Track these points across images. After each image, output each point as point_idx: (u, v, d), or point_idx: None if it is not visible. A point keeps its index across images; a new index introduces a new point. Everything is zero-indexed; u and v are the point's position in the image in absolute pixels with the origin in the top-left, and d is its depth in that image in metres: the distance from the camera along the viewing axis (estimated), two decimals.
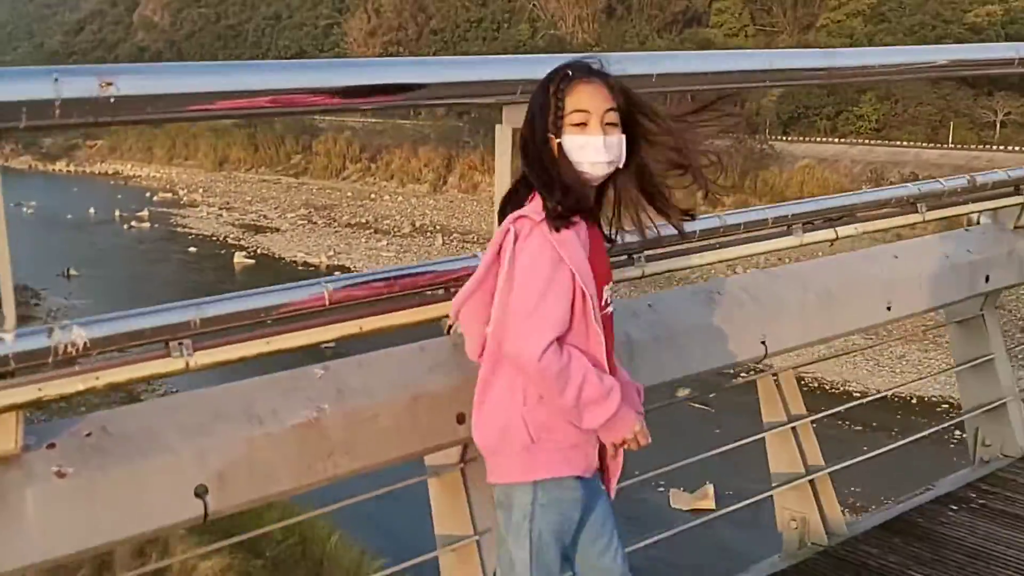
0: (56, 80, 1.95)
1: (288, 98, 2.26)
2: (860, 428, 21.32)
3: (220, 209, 75.54)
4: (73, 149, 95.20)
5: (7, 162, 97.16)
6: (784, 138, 63.52)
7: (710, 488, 20.34)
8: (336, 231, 66.34)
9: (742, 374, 3.90)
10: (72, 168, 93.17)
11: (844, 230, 3.56)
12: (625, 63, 2.76)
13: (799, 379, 3.89)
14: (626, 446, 2.35)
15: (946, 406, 25.40)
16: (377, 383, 2.64)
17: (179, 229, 68.35)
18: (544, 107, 2.28)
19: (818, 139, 62.96)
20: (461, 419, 2.73)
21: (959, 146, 56.53)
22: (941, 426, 5.10)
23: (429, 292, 2.63)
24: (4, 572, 2.09)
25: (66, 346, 2.04)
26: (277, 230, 67.70)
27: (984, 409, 4.65)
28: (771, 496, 3.95)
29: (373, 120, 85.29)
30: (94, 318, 2.13)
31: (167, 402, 2.45)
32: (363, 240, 63.79)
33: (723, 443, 3.80)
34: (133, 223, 69.82)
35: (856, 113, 62.59)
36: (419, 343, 2.81)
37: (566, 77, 2.27)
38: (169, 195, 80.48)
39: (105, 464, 2.20)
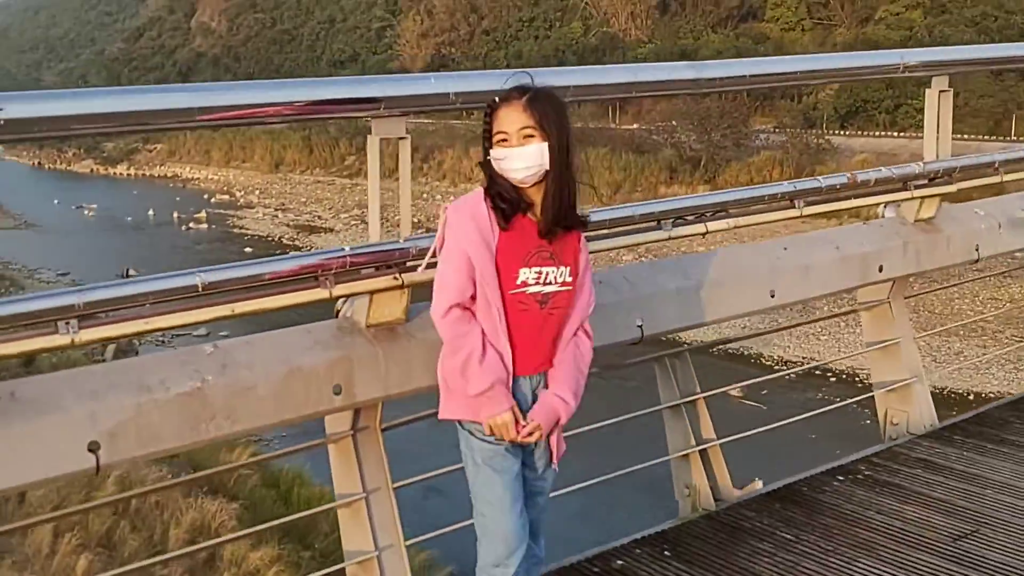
0: None
1: (149, 120, 2.72)
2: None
3: (276, 210, 76.84)
4: (133, 153, 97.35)
5: (70, 166, 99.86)
6: (842, 132, 62.73)
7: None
8: (388, 230, 66.82)
9: (649, 354, 4.24)
10: (132, 171, 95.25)
11: (715, 224, 3.92)
12: (545, 77, 3.09)
13: (736, 353, 4.25)
14: (499, 432, 2.74)
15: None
16: (259, 358, 3.08)
17: (236, 230, 69.68)
18: (484, 130, 2.74)
19: (876, 133, 62.00)
20: (338, 390, 3.16)
21: (1022, 138, 55.46)
22: (847, 402, 5.41)
23: (300, 279, 3.06)
24: None
25: None
26: (331, 230, 68.70)
27: (890, 388, 4.98)
28: (670, 467, 4.34)
29: (425, 120, 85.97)
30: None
31: (68, 373, 2.90)
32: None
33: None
34: (191, 224, 71.32)
35: (916, 106, 61.49)
36: (306, 325, 3.25)
37: (493, 103, 2.73)
38: (226, 197, 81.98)
39: (10, 423, 2.66)
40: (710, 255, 4.14)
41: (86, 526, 13.51)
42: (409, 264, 3.21)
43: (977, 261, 5.02)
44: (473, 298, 2.68)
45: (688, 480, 4.28)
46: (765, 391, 20.15)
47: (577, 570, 3.70)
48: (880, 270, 4.61)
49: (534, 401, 2.77)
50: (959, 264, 5.03)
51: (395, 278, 3.18)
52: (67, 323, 2.66)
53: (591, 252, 3.06)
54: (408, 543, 3.47)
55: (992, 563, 3.67)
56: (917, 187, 4.59)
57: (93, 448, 2.74)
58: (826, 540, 3.87)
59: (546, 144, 2.66)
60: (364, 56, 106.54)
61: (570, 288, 2.74)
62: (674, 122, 63.29)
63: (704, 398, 4.30)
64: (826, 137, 60.55)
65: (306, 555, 14.37)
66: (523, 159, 2.65)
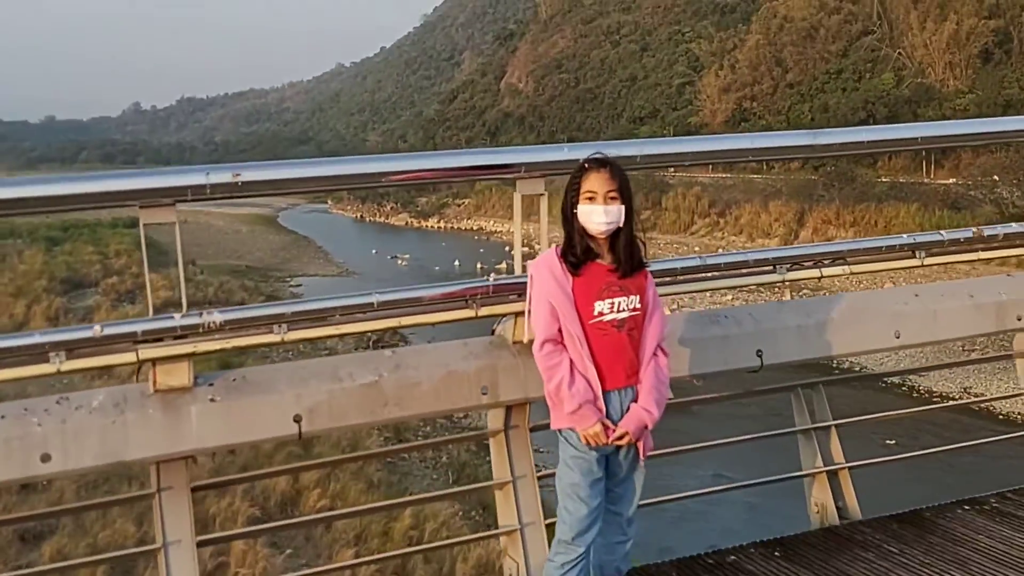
0: (207, 174, 3.54)
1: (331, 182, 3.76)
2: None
3: None
4: (443, 207, 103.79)
5: (387, 219, 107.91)
6: None
7: None
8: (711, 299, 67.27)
9: (785, 383, 4.84)
10: (442, 224, 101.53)
11: (830, 270, 4.47)
12: (614, 148, 3.94)
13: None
14: (594, 441, 3.49)
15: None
16: (425, 362, 4.02)
17: None
18: (570, 187, 3.57)
19: None
20: (485, 391, 4.05)
21: None
22: (999, 437, 5.56)
23: (453, 301, 3.97)
24: (178, 452, 3.67)
25: (209, 323, 3.60)
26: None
27: None
28: (803, 486, 4.88)
29: (723, 175, 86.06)
30: (228, 308, 3.69)
31: (283, 364, 3.96)
32: (707, 295, 64.77)
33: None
34: (492, 274, 74.74)
35: None
36: (464, 339, 4.18)
37: (582, 168, 3.54)
38: (526, 248, 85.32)
39: (240, 396, 3.73)
40: (833, 297, 4.68)
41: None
42: None
43: None
44: (561, 333, 3.46)
45: (817, 498, 4.80)
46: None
47: (695, 560, 4.33)
48: (1019, 319, 4.91)
49: (625, 411, 3.51)
50: None
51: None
52: (280, 326, 3.71)
53: (709, 290, 3.77)
54: (547, 521, 4.26)
55: None
56: None
57: (297, 420, 3.77)
58: (926, 555, 4.28)
59: (623, 207, 3.43)
60: (664, 112, 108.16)
61: (639, 312, 3.47)
62: (995, 176, 59.47)
63: (836, 426, 4.81)
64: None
65: None
66: (608, 215, 3.43)
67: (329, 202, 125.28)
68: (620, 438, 3.47)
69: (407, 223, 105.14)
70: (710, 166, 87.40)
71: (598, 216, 3.43)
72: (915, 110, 75.86)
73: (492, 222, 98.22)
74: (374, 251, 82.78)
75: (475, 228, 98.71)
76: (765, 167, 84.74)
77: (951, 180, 66.31)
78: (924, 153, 72.49)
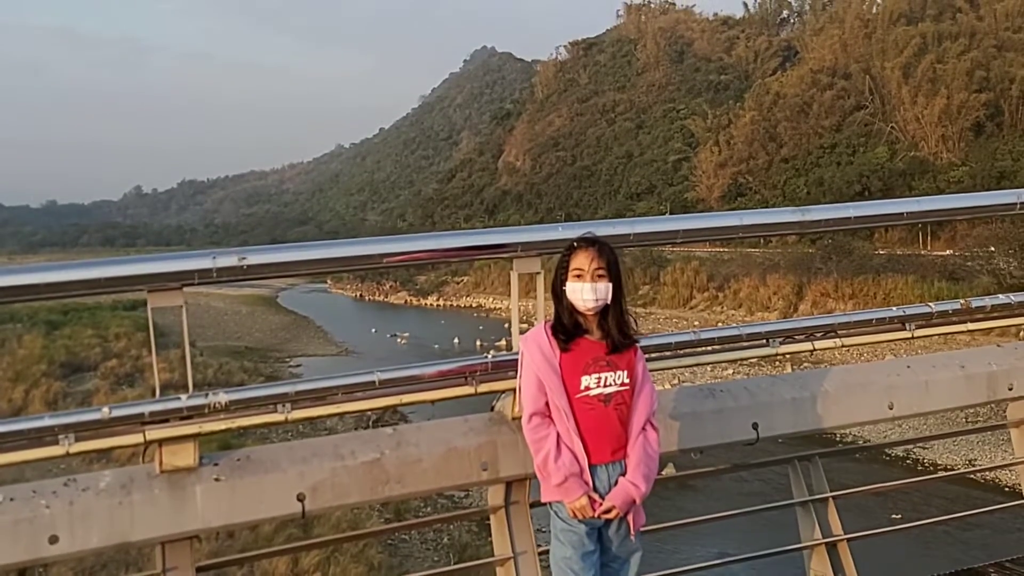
0: (214, 258, 3.66)
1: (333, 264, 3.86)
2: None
3: None
4: (443, 285, 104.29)
5: (387, 298, 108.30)
6: None
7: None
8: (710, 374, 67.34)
9: (781, 455, 4.90)
10: (441, 302, 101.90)
11: (822, 343, 4.56)
12: (607, 227, 4.08)
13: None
14: (580, 514, 3.55)
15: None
16: (425, 439, 4.09)
17: None
18: (560, 266, 3.68)
19: None
20: (485, 467, 4.11)
21: None
22: (994, 507, 5.60)
23: (453, 378, 4.05)
24: (184, 532, 3.71)
25: (215, 404, 3.68)
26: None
27: None
28: (803, 558, 4.91)
29: (720, 249, 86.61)
30: (233, 389, 3.76)
31: (288, 444, 4.02)
32: (708, 368, 64.69)
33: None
34: (491, 351, 74.72)
35: None
36: (464, 416, 4.25)
37: (571, 247, 3.66)
38: (525, 325, 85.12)
39: (244, 476, 3.79)
40: (828, 370, 4.76)
41: None
42: None
43: None
44: (548, 407, 3.54)
45: (818, 570, 4.82)
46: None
47: None
48: (1010, 388, 5.00)
49: (612, 484, 3.57)
50: None
51: None
52: (284, 405, 3.79)
53: (705, 363, 3.85)
54: None
55: None
56: None
57: (300, 498, 3.83)
58: None
59: (611, 284, 3.53)
60: (660, 188, 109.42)
61: (627, 387, 3.55)
62: (992, 248, 59.80)
63: (832, 497, 4.85)
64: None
65: None
66: (595, 292, 3.53)
67: (328, 281, 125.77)
68: (607, 512, 3.53)
69: (406, 301, 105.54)
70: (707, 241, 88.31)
71: (586, 293, 3.53)
72: (910, 183, 76.73)
73: (491, 299, 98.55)
74: (373, 330, 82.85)
75: (474, 305, 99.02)
76: (763, 241, 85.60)
77: (948, 251, 66.80)
78: (920, 225, 73.27)
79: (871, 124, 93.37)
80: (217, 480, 3.74)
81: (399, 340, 78.18)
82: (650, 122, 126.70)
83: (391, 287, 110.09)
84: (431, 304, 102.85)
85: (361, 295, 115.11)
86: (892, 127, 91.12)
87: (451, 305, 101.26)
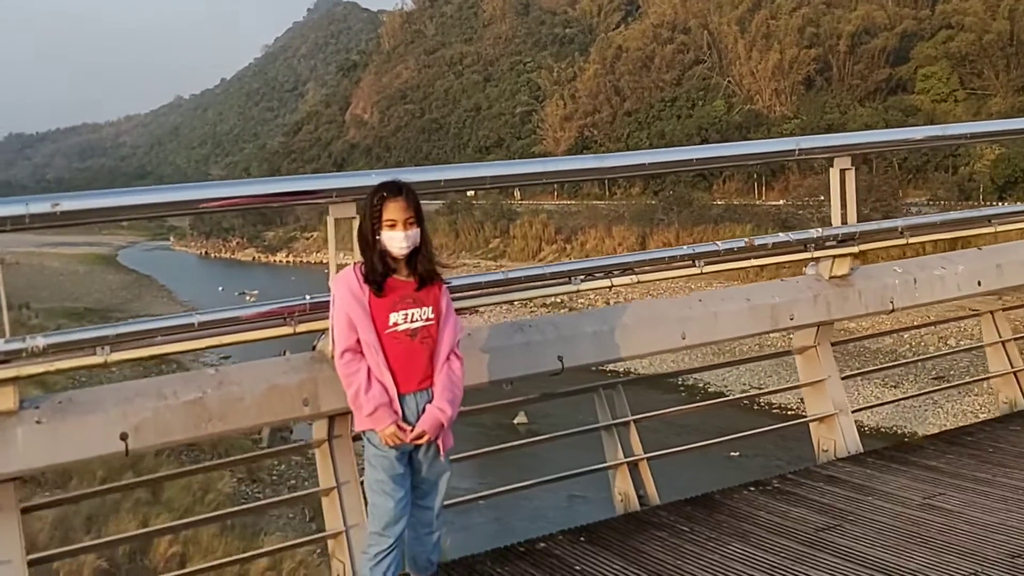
0: (27, 204, 3.75)
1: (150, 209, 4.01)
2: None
3: None
4: (291, 241, 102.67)
5: (233, 255, 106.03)
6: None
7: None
8: (532, 311, 68.58)
9: (588, 383, 5.32)
10: (291, 259, 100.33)
11: (620, 280, 4.95)
12: (419, 174, 4.33)
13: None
14: (391, 441, 3.83)
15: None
16: (248, 378, 4.28)
17: None
18: (370, 214, 3.87)
19: None
20: (306, 402, 4.33)
21: None
22: (781, 425, 6.20)
23: (272, 319, 4.26)
24: (5, 474, 3.82)
25: (32, 348, 3.79)
26: (476, 311, 70.68)
27: (819, 419, 5.83)
28: (608, 477, 5.34)
29: (568, 202, 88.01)
30: (51, 333, 3.88)
31: (111, 386, 4.16)
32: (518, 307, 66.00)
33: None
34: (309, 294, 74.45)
35: None
36: (287, 355, 4.46)
37: (381, 196, 3.86)
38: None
39: (66, 417, 3.91)
40: (627, 305, 5.17)
41: None
42: None
43: (892, 311, 5.85)
44: (359, 343, 3.80)
45: (621, 487, 5.26)
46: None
47: (509, 551, 4.70)
48: (791, 318, 5.52)
49: (421, 412, 3.86)
50: (873, 314, 5.86)
51: None
52: (103, 348, 3.92)
53: (515, 302, 4.16)
54: None
55: (841, 548, 4.50)
56: (818, 248, 5.50)
57: (123, 437, 3.98)
58: (712, 530, 4.76)
59: (419, 229, 3.80)
60: (508, 141, 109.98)
61: (432, 322, 3.83)
62: (821, 196, 62.62)
63: (634, 421, 5.29)
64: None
65: None
66: (409, 240, 3.78)
67: (172, 239, 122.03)
68: (419, 437, 3.82)
69: (254, 258, 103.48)
70: (555, 192, 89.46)
71: (401, 241, 3.77)
72: (745, 135, 79.26)
73: (342, 255, 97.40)
74: (221, 288, 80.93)
75: (324, 262, 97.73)
76: (608, 192, 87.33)
77: (781, 201, 69.57)
78: (756, 175, 76.18)
79: (709, 78, 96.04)
80: (39, 422, 3.86)
81: (247, 298, 76.40)
82: (497, 75, 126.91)
83: (237, 243, 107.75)
84: (280, 261, 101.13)
85: (206, 252, 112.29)
86: (729, 81, 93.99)
87: (301, 262, 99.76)
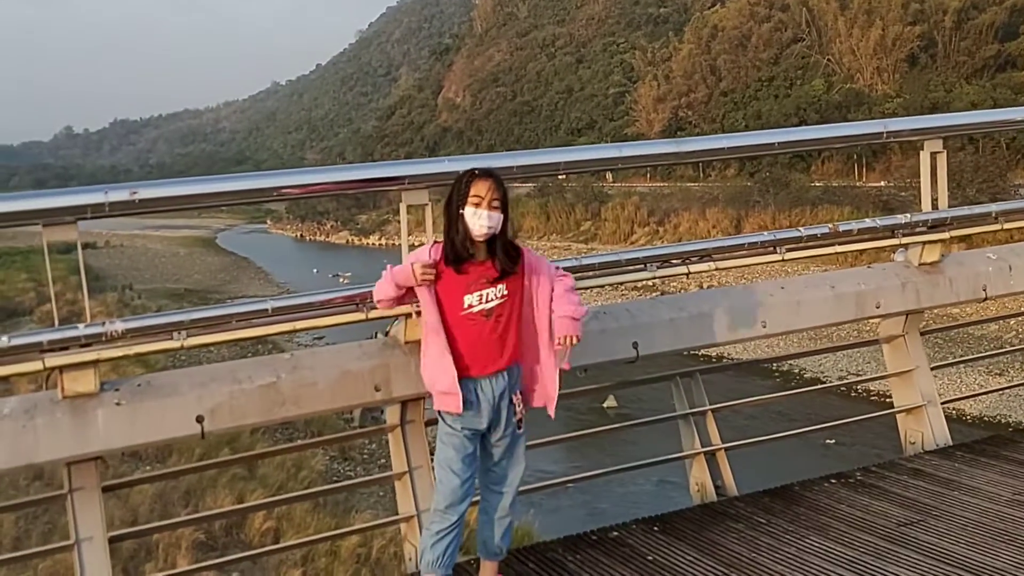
0: (106, 192, 3.83)
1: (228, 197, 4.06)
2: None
3: None
4: (384, 224, 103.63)
5: (328, 238, 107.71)
6: None
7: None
8: (623, 294, 68.33)
9: (664, 372, 5.24)
10: (383, 241, 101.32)
11: (697, 267, 4.85)
12: (494, 160, 4.30)
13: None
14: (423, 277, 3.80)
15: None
16: (321, 363, 4.32)
17: None
18: (457, 191, 3.87)
19: None
20: (378, 388, 4.35)
21: None
22: (864, 416, 6.01)
23: (344, 306, 4.28)
24: (87, 453, 3.93)
25: (111, 332, 3.88)
26: None
27: (907, 410, 5.65)
28: (684, 467, 5.26)
29: (660, 184, 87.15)
30: (129, 318, 3.97)
31: (187, 370, 4.24)
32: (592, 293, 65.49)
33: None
34: None
35: None
36: (359, 341, 4.49)
37: (471, 175, 3.84)
38: None
39: (144, 400, 4.00)
40: (704, 292, 5.08)
41: None
42: None
43: (985, 300, 5.63)
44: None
45: (698, 477, 5.18)
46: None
47: (581, 538, 4.66)
48: (877, 306, 5.35)
49: (497, 397, 3.83)
50: (964, 302, 5.64)
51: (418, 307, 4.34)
52: (179, 333, 3.99)
53: (589, 288, 4.13)
54: None
55: (924, 544, 4.36)
56: (905, 235, 5.32)
57: (199, 420, 4.05)
58: (791, 523, 4.66)
59: (502, 216, 3.77)
60: (601, 123, 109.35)
61: (507, 298, 3.78)
62: None
63: (711, 410, 5.20)
64: None
65: None
66: (490, 220, 3.75)
67: (268, 222, 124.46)
68: (568, 344, 3.78)
69: (348, 241, 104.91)
70: (647, 175, 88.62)
71: (483, 219, 3.74)
72: (845, 115, 77.37)
73: (434, 237, 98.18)
74: (315, 270, 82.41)
75: (417, 244, 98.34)
76: (702, 174, 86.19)
77: (882, 183, 67.81)
78: (856, 156, 74.31)
79: (808, 56, 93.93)
80: (118, 404, 3.95)
81: (341, 279, 77.81)
82: (590, 56, 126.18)
83: (332, 227, 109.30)
84: (373, 244, 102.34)
85: (302, 235, 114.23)
86: (828, 59, 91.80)
87: (393, 244, 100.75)
